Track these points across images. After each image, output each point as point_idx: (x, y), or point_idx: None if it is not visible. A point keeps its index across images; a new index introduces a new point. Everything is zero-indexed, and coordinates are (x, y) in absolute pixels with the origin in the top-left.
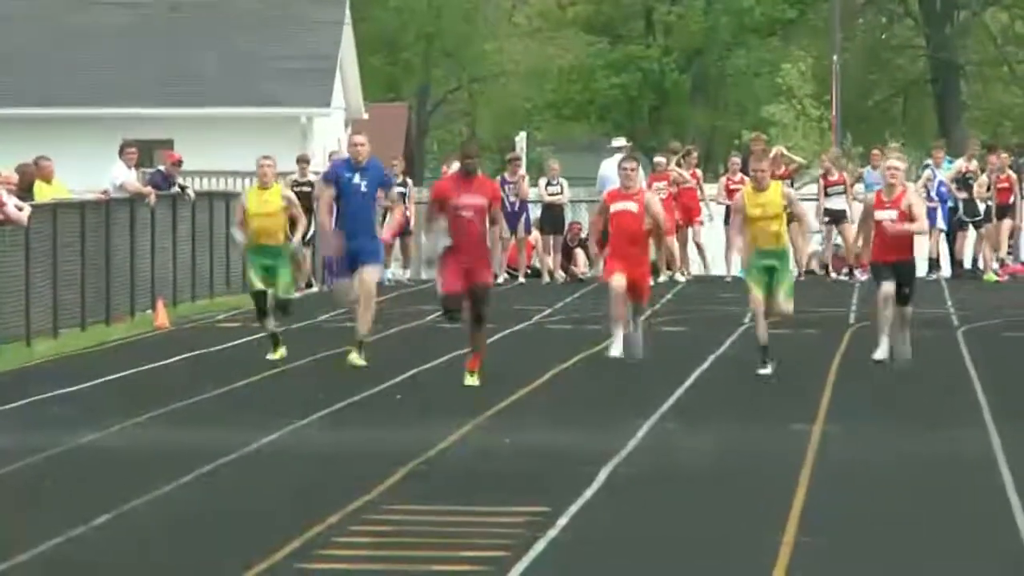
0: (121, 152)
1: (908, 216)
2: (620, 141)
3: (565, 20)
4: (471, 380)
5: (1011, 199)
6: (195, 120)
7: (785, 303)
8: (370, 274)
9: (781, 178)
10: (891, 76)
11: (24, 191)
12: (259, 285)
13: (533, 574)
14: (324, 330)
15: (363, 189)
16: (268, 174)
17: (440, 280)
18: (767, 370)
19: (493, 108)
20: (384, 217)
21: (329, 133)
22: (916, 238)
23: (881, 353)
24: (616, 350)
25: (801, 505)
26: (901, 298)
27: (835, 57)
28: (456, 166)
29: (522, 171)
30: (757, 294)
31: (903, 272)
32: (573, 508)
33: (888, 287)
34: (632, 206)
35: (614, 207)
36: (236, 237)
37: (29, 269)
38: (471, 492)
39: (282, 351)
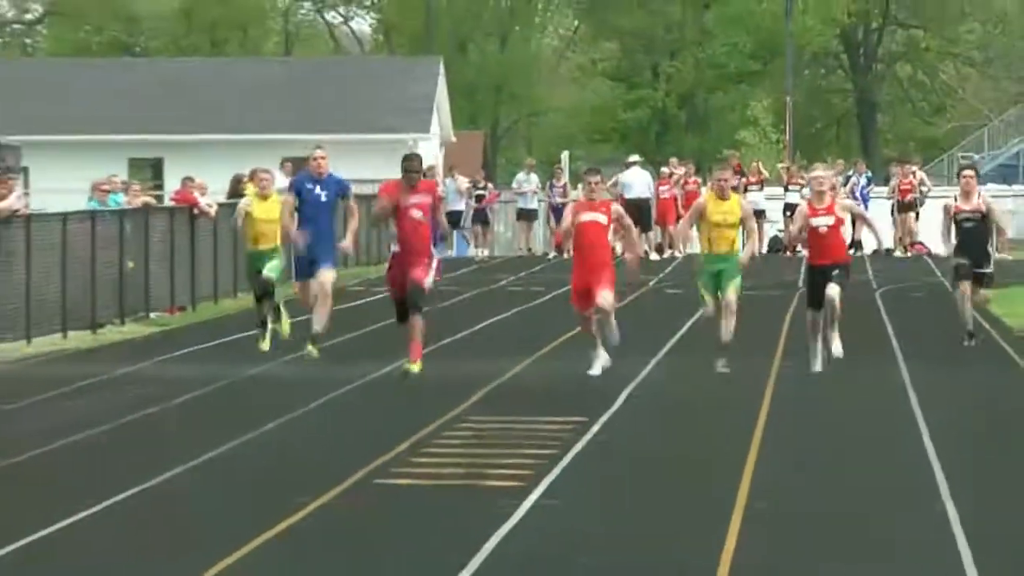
0: (281, 165)
1: (842, 221)
2: (635, 157)
3: (596, 71)
4: (414, 368)
5: (910, 197)
6: (334, 143)
7: (731, 296)
8: (326, 275)
9: (756, 183)
10: (828, 111)
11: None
12: (258, 268)
13: (577, 464)
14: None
15: (323, 199)
16: (267, 186)
17: (388, 281)
18: (724, 365)
19: (544, 134)
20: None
21: (428, 153)
22: (846, 238)
23: (818, 365)
24: (595, 369)
25: (764, 420)
26: (830, 279)
27: (788, 97)
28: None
29: (565, 179)
30: (709, 301)
31: (838, 270)
32: (603, 419)
33: (817, 302)
34: (601, 217)
35: (583, 217)
36: (238, 224)
37: (217, 248)
38: (530, 407)
39: (267, 345)
